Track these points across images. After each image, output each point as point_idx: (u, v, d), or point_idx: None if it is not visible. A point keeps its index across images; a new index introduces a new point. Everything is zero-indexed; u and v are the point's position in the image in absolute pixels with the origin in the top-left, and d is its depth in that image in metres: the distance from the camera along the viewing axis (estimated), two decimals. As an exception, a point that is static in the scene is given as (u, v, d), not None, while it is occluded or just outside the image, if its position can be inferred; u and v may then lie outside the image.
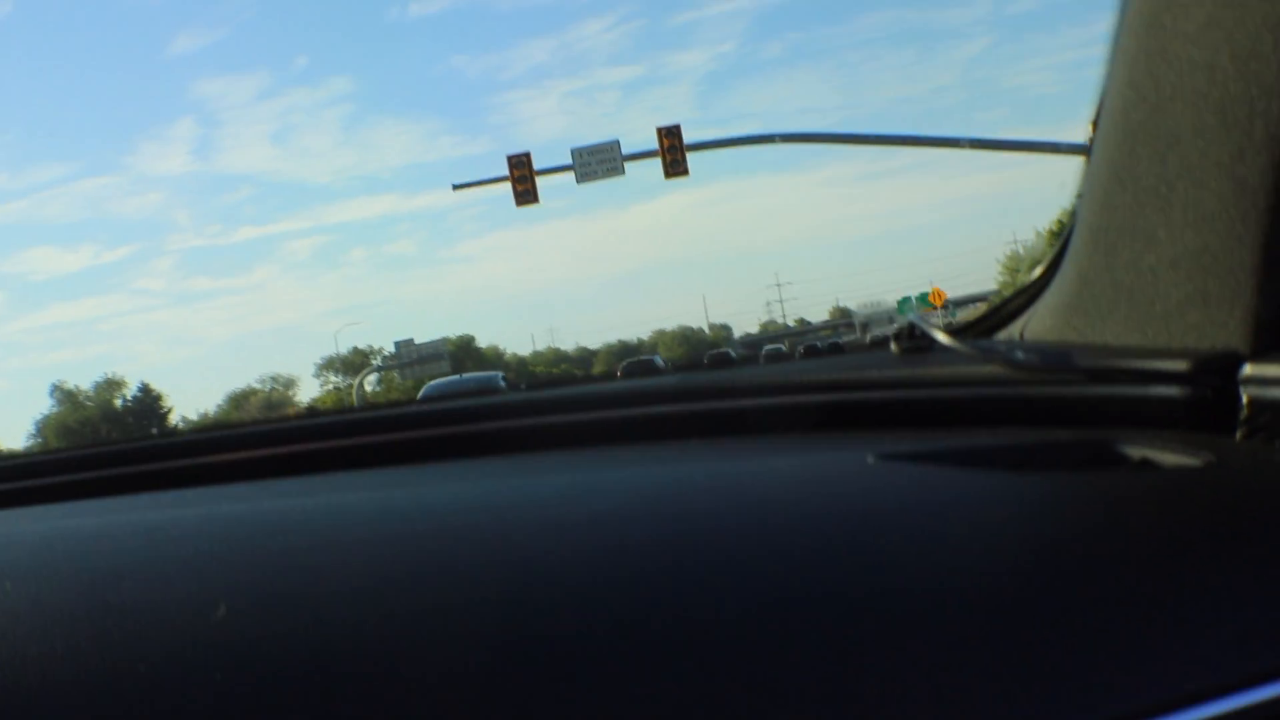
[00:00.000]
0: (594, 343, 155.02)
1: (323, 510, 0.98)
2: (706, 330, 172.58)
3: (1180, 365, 0.94)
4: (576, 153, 28.39)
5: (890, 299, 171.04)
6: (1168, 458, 0.88)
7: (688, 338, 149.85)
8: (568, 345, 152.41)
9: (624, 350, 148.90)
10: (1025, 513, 0.80)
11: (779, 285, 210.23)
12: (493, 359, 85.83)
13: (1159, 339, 1.00)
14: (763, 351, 58.88)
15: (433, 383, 19.77)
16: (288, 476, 1.27)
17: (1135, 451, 0.91)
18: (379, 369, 59.24)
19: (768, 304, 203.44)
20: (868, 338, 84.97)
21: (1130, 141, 1.02)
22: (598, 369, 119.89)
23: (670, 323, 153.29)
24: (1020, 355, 1.10)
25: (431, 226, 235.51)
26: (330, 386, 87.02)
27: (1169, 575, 0.62)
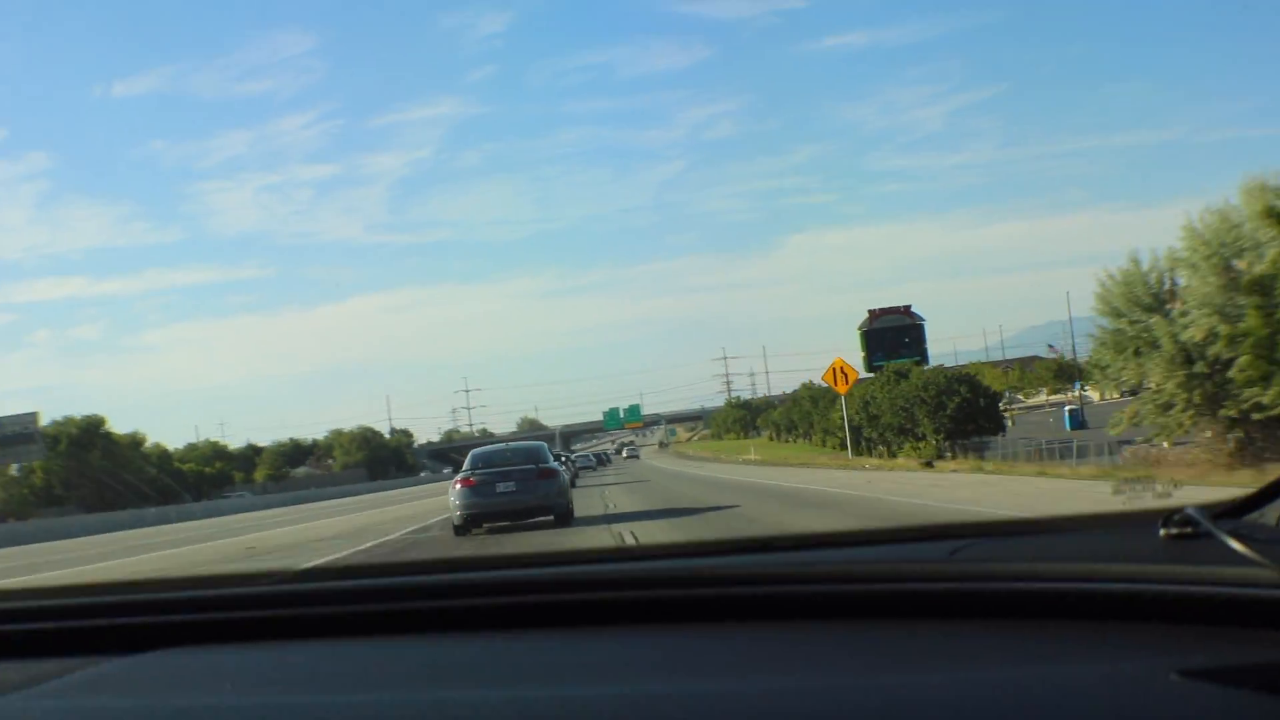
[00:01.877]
0: (265, 440, 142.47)
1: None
2: (387, 434, 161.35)
3: None
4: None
5: (593, 412, 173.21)
6: None
7: (368, 440, 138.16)
8: (238, 442, 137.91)
9: (295, 450, 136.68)
10: None
11: (468, 391, 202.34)
12: (127, 449, 71.64)
13: None
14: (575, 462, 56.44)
15: (480, 450, 19.62)
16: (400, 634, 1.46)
17: None
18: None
19: (453, 411, 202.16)
20: (624, 454, 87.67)
21: None
22: (261, 470, 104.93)
23: (351, 424, 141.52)
24: None
25: (118, 313, 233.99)
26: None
27: None
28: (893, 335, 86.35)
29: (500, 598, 1.51)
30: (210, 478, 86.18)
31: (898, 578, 1.38)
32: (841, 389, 26.54)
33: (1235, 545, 1.15)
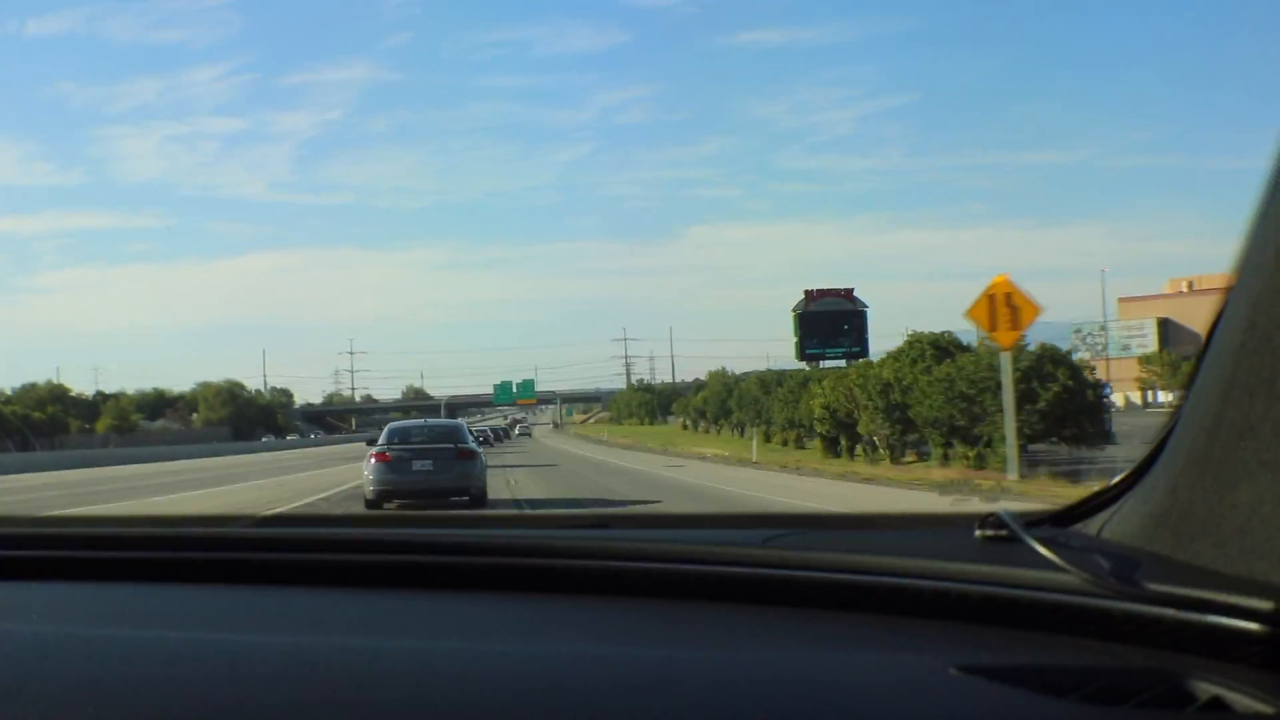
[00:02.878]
0: (129, 387, 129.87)
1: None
2: (265, 393, 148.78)
3: (1266, 603, 0.97)
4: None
5: (483, 386, 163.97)
6: (1240, 700, 0.92)
7: (234, 395, 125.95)
8: (109, 387, 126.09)
9: (157, 400, 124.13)
10: None
11: (352, 354, 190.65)
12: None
13: (1245, 570, 1.02)
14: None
15: (396, 424, 19.77)
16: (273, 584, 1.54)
17: (1207, 688, 0.96)
18: None
19: (336, 372, 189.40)
20: (515, 431, 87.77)
21: (1250, 374, 1.03)
22: (104, 420, 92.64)
23: (221, 378, 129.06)
24: (1103, 563, 1.14)
25: (14, 251, 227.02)
26: None
27: None
28: (830, 320, 77.91)
29: (334, 555, 1.61)
30: (38, 424, 73.43)
31: (707, 559, 1.42)
32: (1005, 339, 16.51)
33: (1043, 551, 1.19)
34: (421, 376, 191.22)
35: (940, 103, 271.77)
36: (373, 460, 16.94)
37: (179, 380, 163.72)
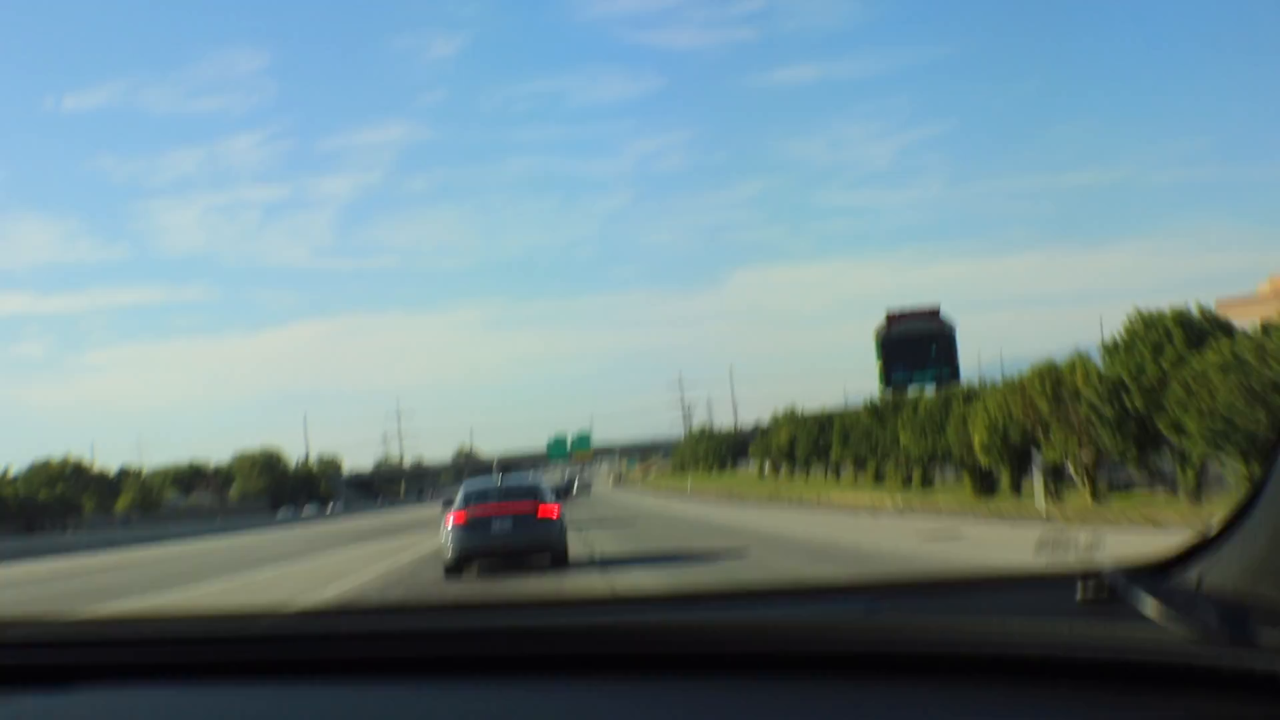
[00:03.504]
0: (169, 460, 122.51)
1: None
2: (308, 461, 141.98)
3: None
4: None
5: (535, 441, 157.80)
6: None
7: (272, 465, 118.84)
8: (153, 461, 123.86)
9: (191, 474, 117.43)
10: None
11: (400, 415, 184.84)
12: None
13: None
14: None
15: (471, 483, 19.69)
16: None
17: None
18: None
19: (385, 436, 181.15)
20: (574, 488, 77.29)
21: None
22: (125, 496, 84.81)
23: (260, 447, 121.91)
24: (1212, 615, 1.14)
25: (63, 330, 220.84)
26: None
27: None
28: (916, 345, 69.45)
29: (471, 647, 1.57)
30: (42, 505, 66.22)
31: (815, 637, 1.42)
32: None
33: (1150, 608, 1.19)
34: (471, 434, 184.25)
35: (977, 128, 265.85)
36: (450, 522, 16.82)
37: (223, 452, 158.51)
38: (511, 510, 16.58)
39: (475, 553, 16.56)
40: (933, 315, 71.95)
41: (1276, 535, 1.09)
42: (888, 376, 68.50)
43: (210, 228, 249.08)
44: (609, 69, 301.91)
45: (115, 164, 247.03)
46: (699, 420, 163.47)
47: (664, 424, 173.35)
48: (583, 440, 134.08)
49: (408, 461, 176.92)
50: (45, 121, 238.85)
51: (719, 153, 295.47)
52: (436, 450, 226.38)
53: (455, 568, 16.53)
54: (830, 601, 1.65)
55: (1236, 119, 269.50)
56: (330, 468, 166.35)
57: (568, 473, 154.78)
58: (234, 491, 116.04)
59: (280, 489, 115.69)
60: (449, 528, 16.60)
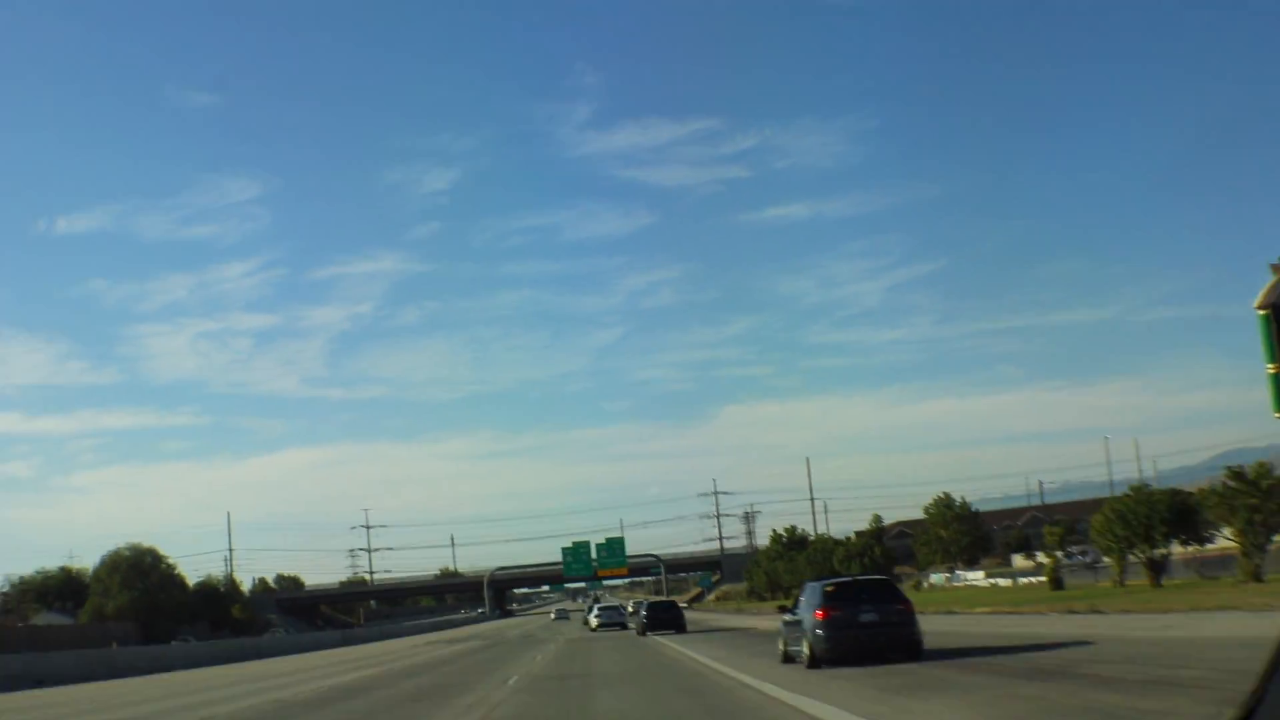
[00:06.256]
0: None
1: None
2: (226, 576, 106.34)
3: None
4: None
5: (539, 556, 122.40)
6: None
7: (141, 569, 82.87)
8: None
9: (63, 583, 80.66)
10: None
11: (368, 528, 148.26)
12: None
13: None
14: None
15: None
16: None
17: None
18: None
19: (352, 554, 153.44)
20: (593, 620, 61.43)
21: None
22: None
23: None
24: None
25: (50, 451, 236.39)
26: None
27: None
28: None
29: None
30: None
31: None
32: None
33: None
34: (453, 542, 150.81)
35: (967, 267, 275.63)
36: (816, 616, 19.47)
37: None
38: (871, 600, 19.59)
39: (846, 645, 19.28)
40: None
41: None
42: (1275, 354, 32.14)
43: (201, 354, 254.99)
44: (601, 205, 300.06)
45: (107, 288, 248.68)
46: (734, 535, 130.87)
47: (692, 541, 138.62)
48: (614, 550, 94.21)
49: (380, 579, 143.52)
50: (39, 243, 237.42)
51: (709, 289, 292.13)
52: (417, 570, 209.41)
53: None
54: None
55: (1220, 256, 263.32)
56: (288, 585, 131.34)
57: (593, 595, 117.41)
58: (84, 612, 77.01)
59: (154, 608, 76.09)
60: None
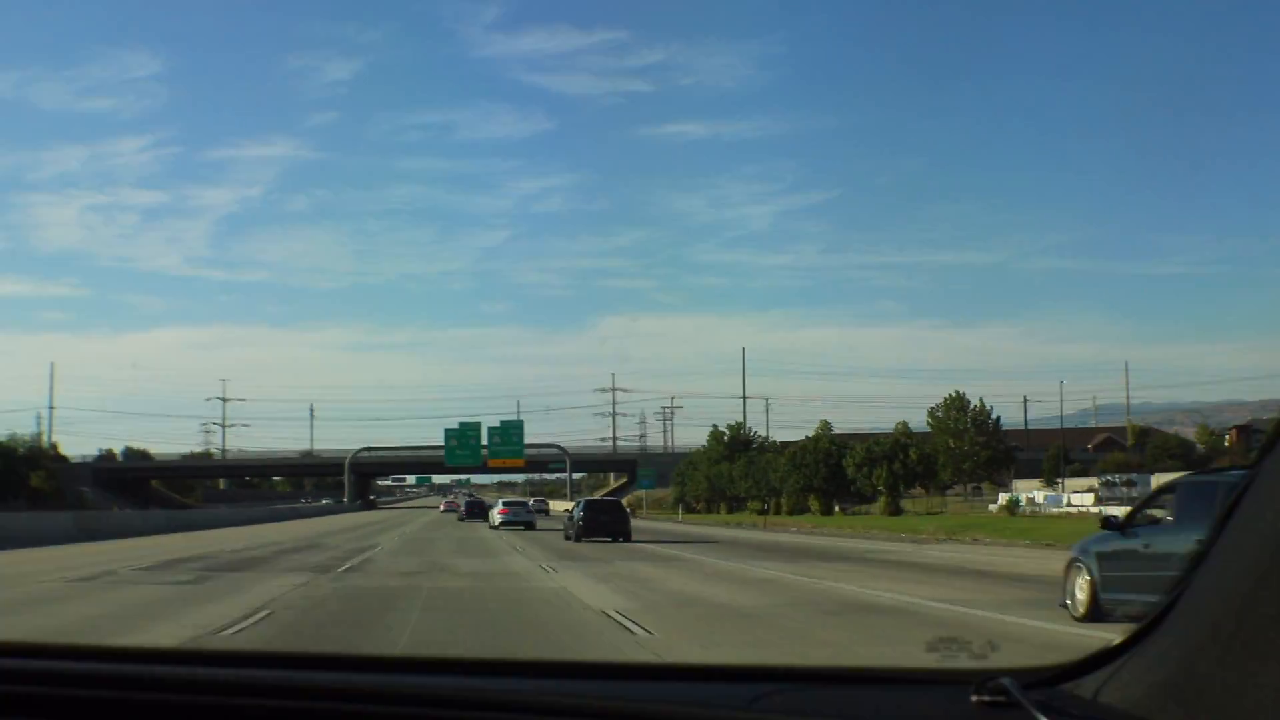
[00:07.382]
0: None
1: None
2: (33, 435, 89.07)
3: None
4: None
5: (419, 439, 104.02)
6: None
7: None
8: None
9: None
10: None
11: (225, 400, 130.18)
12: None
13: None
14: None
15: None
16: None
17: None
18: None
19: (205, 426, 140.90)
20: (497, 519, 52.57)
21: None
22: None
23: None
24: None
25: None
26: None
27: None
28: None
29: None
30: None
31: None
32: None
33: (1044, 718, 1.21)
34: (312, 413, 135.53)
35: (859, 200, 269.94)
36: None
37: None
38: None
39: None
40: None
41: (1187, 659, 1.04)
42: None
43: (88, 227, 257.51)
44: (500, 107, 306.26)
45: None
46: (629, 438, 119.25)
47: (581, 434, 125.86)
48: (510, 435, 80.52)
49: (233, 456, 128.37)
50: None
51: (601, 199, 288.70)
52: (277, 444, 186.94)
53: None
54: (714, 685, 1.56)
55: (1113, 215, 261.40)
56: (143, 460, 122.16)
57: (465, 494, 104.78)
58: None
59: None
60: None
